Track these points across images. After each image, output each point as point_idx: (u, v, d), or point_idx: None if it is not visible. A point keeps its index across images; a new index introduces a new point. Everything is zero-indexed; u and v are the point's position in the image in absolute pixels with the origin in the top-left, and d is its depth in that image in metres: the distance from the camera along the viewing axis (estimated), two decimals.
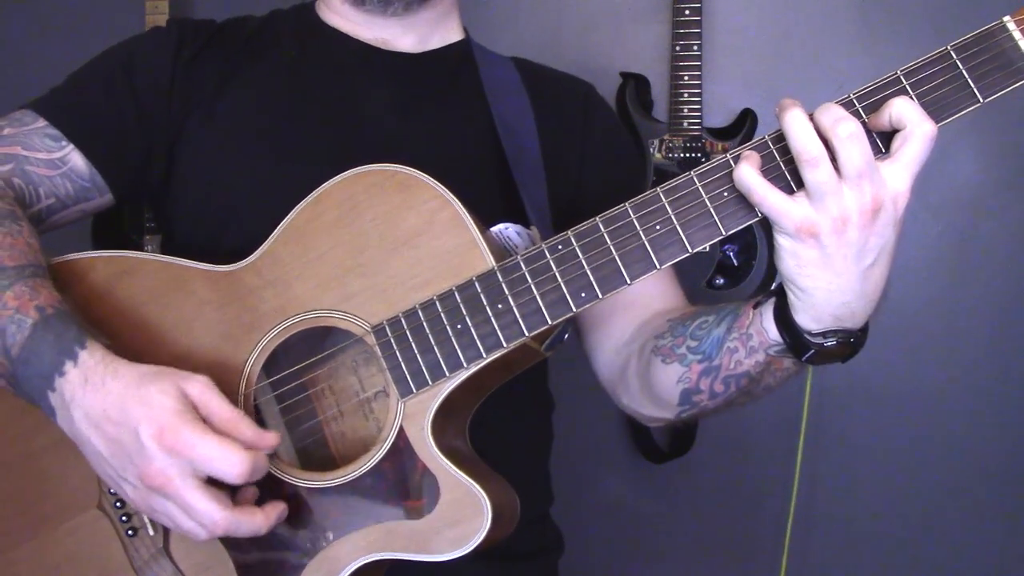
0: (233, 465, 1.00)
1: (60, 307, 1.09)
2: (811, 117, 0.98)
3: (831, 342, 1.06)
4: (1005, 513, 2.67)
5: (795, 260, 1.01)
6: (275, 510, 1.08)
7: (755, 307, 1.12)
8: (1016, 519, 2.66)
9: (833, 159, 0.96)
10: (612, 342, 1.37)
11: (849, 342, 1.06)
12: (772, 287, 1.11)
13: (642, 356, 1.28)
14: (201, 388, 1.04)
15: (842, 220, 0.97)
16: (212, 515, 1.02)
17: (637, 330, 1.33)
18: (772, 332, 1.09)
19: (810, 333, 1.06)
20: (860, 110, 0.99)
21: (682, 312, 1.28)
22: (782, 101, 0.99)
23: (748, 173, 0.99)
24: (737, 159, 1.01)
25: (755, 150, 1.02)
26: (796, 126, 0.97)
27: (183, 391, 1.03)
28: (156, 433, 1.00)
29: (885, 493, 2.70)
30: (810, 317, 1.05)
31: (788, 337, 1.07)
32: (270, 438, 1.06)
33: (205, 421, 1.03)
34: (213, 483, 1.03)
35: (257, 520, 1.05)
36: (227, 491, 1.05)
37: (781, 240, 1.01)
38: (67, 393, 1.05)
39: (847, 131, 0.95)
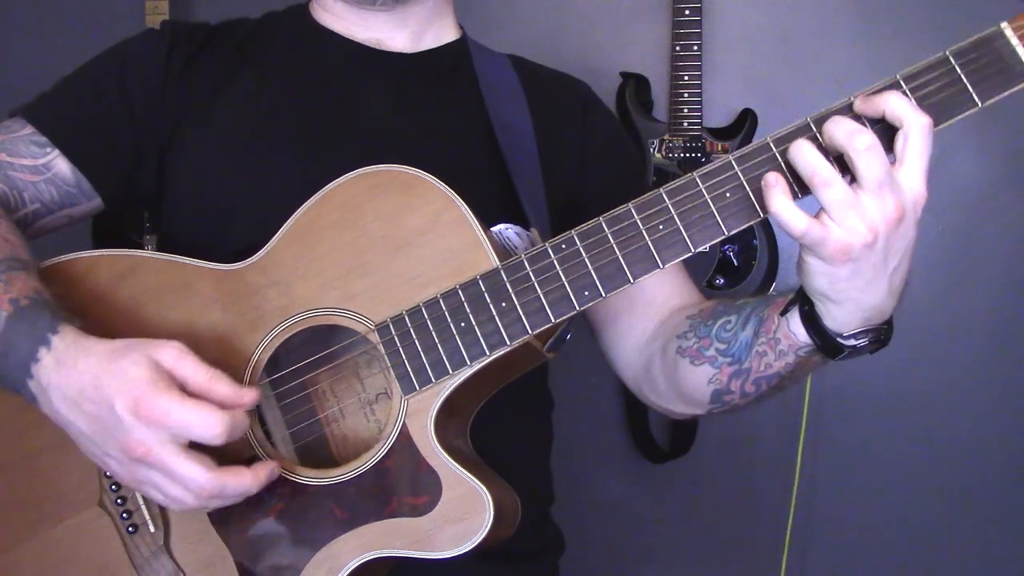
0: (210, 427, 1.01)
1: (36, 296, 1.09)
2: (820, 130, 0.99)
3: (863, 342, 1.07)
4: (1005, 514, 2.67)
5: (827, 279, 1.02)
6: (265, 469, 1.08)
7: (781, 314, 1.13)
8: (1016, 520, 2.66)
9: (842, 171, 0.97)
10: (633, 342, 1.38)
11: (880, 338, 1.08)
12: (791, 294, 1.12)
13: (666, 356, 1.29)
14: (174, 354, 1.04)
15: (871, 233, 0.97)
16: (196, 479, 1.02)
17: (657, 329, 1.34)
18: (801, 336, 1.10)
19: (841, 336, 1.07)
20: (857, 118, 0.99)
21: (700, 308, 1.29)
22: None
23: (785, 206, 0.99)
24: (741, 160, 1.02)
25: (757, 151, 1.02)
26: (803, 152, 0.97)
27: (155, 360, 1.03)
28: (131, 405, 1.00)
29: (885, 493, 2.71)
30: (841, 323, 1.06)
31: (819, 340, 1.09)
32: (248, 394, 1.05)
33: (181, 386, 1.03)
34: (199, 449, 1.03)
35: (245, 479, 1.05)
36: (214, 457, 1.05)
37: (813, 263, 1.02)
38: (43, 379, 1.06)
39: (864, 143, 0.95)
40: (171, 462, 1.02)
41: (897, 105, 0.97)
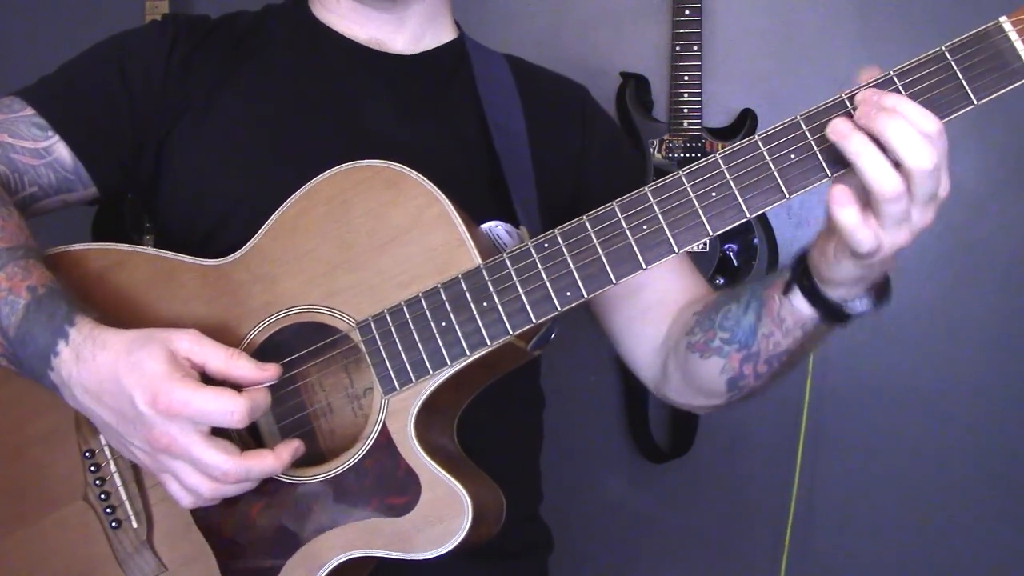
0: (230, 412, 1.02)
1: (52, 285, 1.11)
2: (872, 127, 0.95)
3: (867, 304, 1.09)
4: (1005, 513, 2.66)
5: (856, 275, 1.04)
6: (287, 449, 1.09)
7: (784, 293, 1.14)
8: (1016, 519, 2.65)
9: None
10: (649, 345, 1.38)
11: (881, 295, 1.10)
12: (790, 269, 1.13)
13: (678, 354, 1.30)
14: (190, 341, 1.06)
15: (910, 239, 0.99)
16: (221, 465, 1.04)
17: (670, 329, 1.35)
18: (807, 311, 1.12)
19: (846, 302, 1.09)
20: (852, 111, 0.98)
21: (704, 303, 1.30)
22: (835, 124, 0.97)
23: (855, 223, 0.97)
24: (728, 159, 1.02)
25: (744, 150, 1.01)
26: (872, 161, 0.94)
27: (171, 349, 1.05)
28: (150, 400, 1.02)
29: (885, 493, 2.70)
30: (844, 295, 1.09)
31: (826, 312, 1.10)
32: (270, 369, 1.07)
33: (203, 371, 1.05)
34: (221, 434, 1.05)
35: (267, 461, 1.07)
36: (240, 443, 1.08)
37: (849, 266, 1.02)
38: (64, 372, 1.08)
39: (932, 162, 0.94)
40: (195, 451, 1.03)
41: (902, 143, 0.94)
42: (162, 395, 1.02)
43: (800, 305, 1.12)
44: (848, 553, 2.72)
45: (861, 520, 2.71)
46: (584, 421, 2.74)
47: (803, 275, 1.10)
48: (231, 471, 1.04)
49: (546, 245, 1.07)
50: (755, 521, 2.74)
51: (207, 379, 1.06)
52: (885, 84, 0.98)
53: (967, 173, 2.60)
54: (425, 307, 1.09)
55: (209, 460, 1.03)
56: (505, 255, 1.08)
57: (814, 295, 1.10)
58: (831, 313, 1.10)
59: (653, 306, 1.36)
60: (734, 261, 2.52)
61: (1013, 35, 0.96)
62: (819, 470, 2.68)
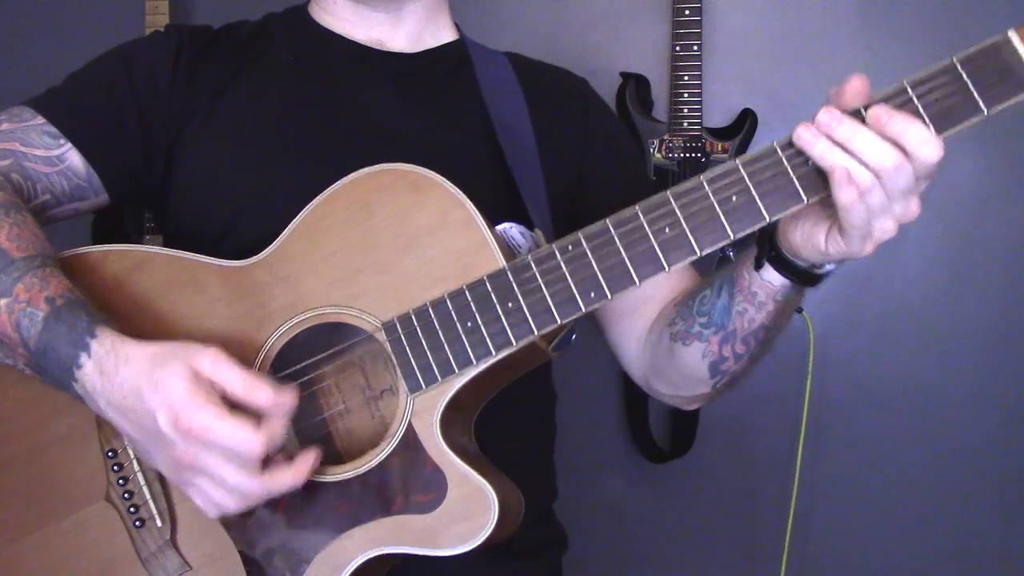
0: (250, 448, 1.02)
1: (70, 295, 1.11)
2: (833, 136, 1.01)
3: (832, 264, 1.13)
4: (1005, 513, 2.67)
5: (838, 260, 1.09)
6: (306, 462, 1.09)
7: (755, 269, 1.17)
8: (1016, 519, 2.67)
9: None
10: (636, 339, 1.40)
11: None
12: (757, 246, 1.17)
13: (662, 345, 1.32)
14: (212, 361, 1.05)
15: (894, 228, 1.05)
16: (242, 486, 1.04)
17: (654, 323, 1.37)
18: (777, 281, 1.15)
19: (815, 266, 1.13)
20: (867, 118, 1.00)
21: (683, 294, 1.32)
22: (799, 132, 1.02)
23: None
24: (747, 164, 1.04)
25: (763, 156, 1.03)
26: (867, 140, 1.00)
27: (193, 369, 1.04)
28: (172, 420, 1.02)
29: (885, 493, 2.71)
30: (814, 262, 1.12)
31: (797, 278, 1.14)
32: (287, 398, 1.06)
33: (221, 393, 1.05)
34: None
35: (288, 478, 1.07)
36: None
37: (842, 242, 1.06)
38: (88, 385, 1.08)
39: (894, 162, 1.01)
40: (218, 471, 1.04)
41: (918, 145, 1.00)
42: (183, 417, 1.02)
43: (771, 277, 1.15)
44: (848, 553, 2.73)
45: (861, 520, 2.72)
46: (584, 421, 2.74)
47: (771, 248, 1.14)
48: (252, 491, 1.05)
49: (570, 247, 1.08)
50: (755, 521, 2.75)
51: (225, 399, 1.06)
52: (899, 94, 1.00)
53: (967, 174, 2.61)
54: (451, 307, 1.10)
55: (231, 480, 1.04)
56: (530, 256, 1.09)
57: (784, 264, 1.13)
58: (803, 278, 1.14)
59: (643, 302, 1.38)
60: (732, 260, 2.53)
61: (1021, 49, 0.98)
62: (819, 470, 2.68)
